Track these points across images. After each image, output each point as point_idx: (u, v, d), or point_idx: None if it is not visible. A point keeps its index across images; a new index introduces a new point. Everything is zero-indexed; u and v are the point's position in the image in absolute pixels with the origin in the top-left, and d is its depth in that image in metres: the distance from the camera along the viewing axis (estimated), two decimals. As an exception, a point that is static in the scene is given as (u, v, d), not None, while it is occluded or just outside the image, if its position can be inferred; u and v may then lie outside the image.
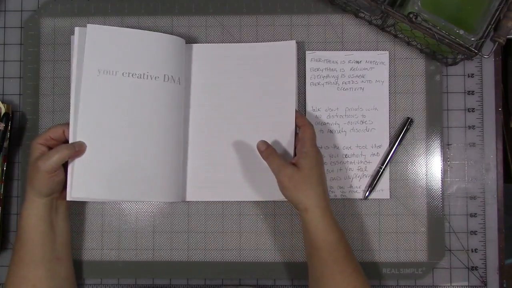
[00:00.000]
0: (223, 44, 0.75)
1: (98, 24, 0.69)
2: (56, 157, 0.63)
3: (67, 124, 0.67)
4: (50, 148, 0.65)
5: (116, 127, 0.67)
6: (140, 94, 0.68)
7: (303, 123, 0.68)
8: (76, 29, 0.68)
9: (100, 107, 0.67)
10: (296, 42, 0.73)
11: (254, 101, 0.73)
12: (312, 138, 0.67)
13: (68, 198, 0.65)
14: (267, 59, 0.73)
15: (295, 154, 0.69)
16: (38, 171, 0.62)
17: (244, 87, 0.73)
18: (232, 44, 0.75)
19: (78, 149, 0.65)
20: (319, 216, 0.63)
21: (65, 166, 0.66)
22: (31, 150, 0.65)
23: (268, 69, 0.73)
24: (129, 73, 0.68)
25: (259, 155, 0.69)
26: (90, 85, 0.67)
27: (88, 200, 0.72)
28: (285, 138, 0.71)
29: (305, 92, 0.74)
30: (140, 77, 0.68)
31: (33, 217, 0.64)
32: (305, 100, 0.74)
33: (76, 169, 0.66)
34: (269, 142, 0.70)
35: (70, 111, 0.67)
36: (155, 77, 0.69)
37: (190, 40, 0.75)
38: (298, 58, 0.74)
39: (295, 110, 0.70)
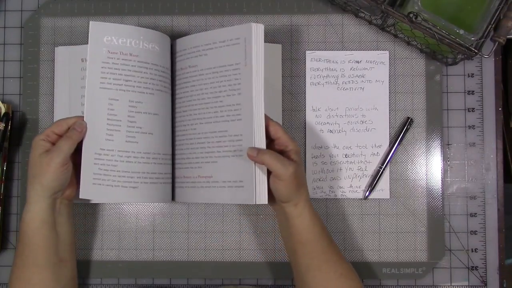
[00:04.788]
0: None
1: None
2: (67, 147, 0.61)
3: (70, 118, 0.64)
4: (53, 144, 0.63)
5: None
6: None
7: (277, 130, 0.63)
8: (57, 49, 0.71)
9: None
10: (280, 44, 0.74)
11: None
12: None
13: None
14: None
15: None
16: (48, 165, 0.60)
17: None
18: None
19: (80, 130, 0.63)
20: (308, 209, 0.63)
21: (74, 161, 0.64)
22: (33, 147, 0.62)
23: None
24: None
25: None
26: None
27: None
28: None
29: (305, 92, 0.74)
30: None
31: (36, 221, 0.62)
32: (305, 100, 0.74)
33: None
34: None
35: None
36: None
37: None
38: (297, 59, 0.75)
39: (266, 117, 0.63)
